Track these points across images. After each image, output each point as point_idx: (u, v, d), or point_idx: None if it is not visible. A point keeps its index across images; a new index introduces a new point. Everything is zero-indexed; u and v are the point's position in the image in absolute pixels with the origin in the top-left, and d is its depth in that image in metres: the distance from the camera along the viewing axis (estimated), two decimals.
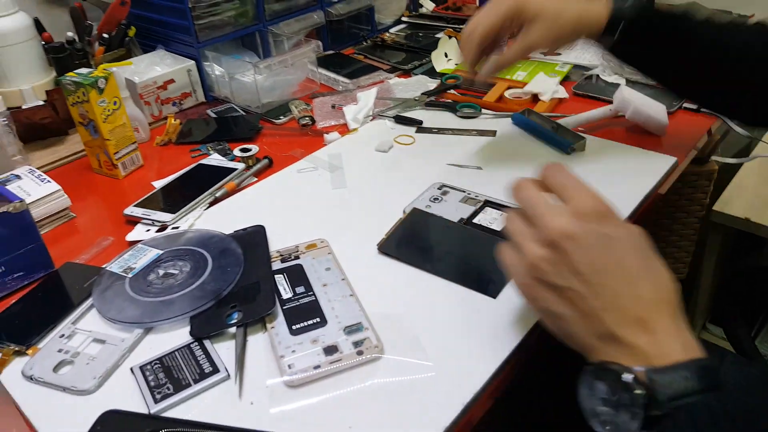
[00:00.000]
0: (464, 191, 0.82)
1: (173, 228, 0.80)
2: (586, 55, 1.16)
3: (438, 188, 0.83)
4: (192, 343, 0.62)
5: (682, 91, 0.87)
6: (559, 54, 1.21)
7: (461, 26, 1.37)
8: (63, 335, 0.64)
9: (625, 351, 0.45)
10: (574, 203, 0.48)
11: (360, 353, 0.59)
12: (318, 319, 0.63)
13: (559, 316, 0.48)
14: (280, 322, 0.63)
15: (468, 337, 0.61)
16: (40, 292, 0.72)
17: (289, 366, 0.58)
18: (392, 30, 1.42)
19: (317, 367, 0.58)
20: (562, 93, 1.05)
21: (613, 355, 0.45)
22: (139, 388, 0.57)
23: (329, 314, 0.64)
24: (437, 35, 1.35)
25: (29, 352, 0.63)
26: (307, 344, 0.60)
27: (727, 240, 1.31)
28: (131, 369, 0.60)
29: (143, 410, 0.55)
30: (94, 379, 0.59)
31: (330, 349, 0.59)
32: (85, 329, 0.65)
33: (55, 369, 0.60)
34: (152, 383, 0.58)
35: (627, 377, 0.43)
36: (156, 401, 0.56)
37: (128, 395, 0.57)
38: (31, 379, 0.60)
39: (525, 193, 0.52)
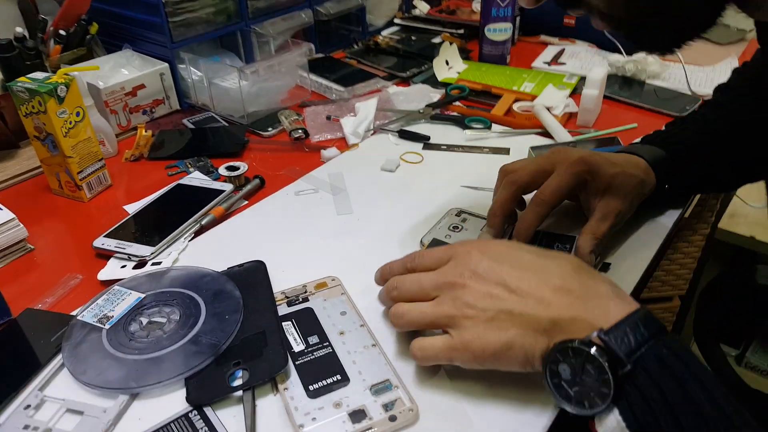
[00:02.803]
0: (485, 218, 0.73)
1: (154, 264, 0.69)
2: (594, 66, 1.09)
3: (456, 215, 0.74)
4: (190, 411, 0.51)
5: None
6: (564, 64, 1.15)
7: (457, 30, 1.29)
8: (28, 406, 0.52)
9: (571, 328, 0.46)
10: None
11: (393, 419, 0.50)
12: (339, 377, 0.53)
13: (508, 344, 0.48)
14: (293, 381, 0.53)
15: (516, 388, 0.52)
16: None
17: None
18: (384, 32, 1.33)
19: None
20: (573, 107, 0.98)
21: (563, 338, 0.46)
22: None
23: (351, 370, 0.54)
24: (433, 40, 1.26)
25: None
26: (330, 409, 0.51)
27: (727, 254, 1.27)
28: None
29: None
30: None
31: (357, 415, 0.50)
32: (57, 397, 0.53)
33: None
34: None
35: (583, 346, 0.44)
36: None
37: None
38: None
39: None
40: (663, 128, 0.77)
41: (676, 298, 1.43)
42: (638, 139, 0.77)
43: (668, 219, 0.74)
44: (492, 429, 0.49)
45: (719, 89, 0.80)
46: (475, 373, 0.53)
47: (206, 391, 0.53)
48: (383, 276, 0.60)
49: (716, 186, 0.79)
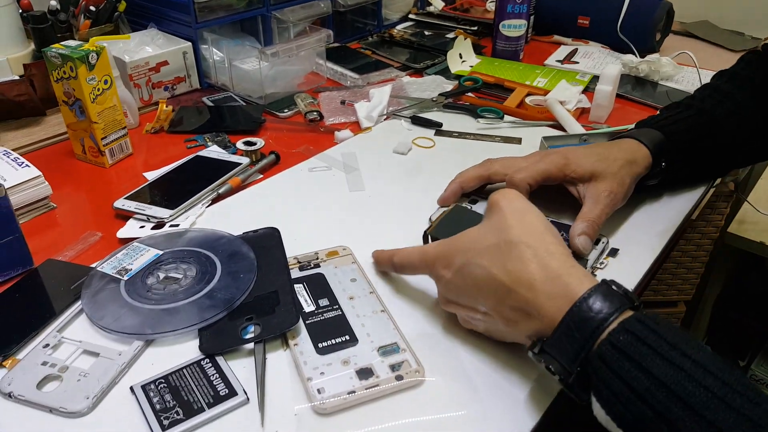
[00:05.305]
0: None
1: (172, 226, 0.71)
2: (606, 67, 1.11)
3: (465, 196, 0.76)
4: (203, 359, 0.53)
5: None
6: (577, 63, 1.17)
7: (471, 27, 1.32)
8: (47, 345, 0.55)
9: (537, 336, 0.49)
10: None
11: (399, 378, 0.51)
12: (347, 337, 0.55)
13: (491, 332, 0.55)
14: (303, 338, 0.55)
15: (523, 355, 0.53)
16: (18, 293, 0.62)
17: (319, 390, 0.50)
18: (399, 27, 1.35)
19: (351, 392, 0.50)
20: (586, 102, 0.99)
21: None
22: (142, 411, 0.49)
23: (359, 332, 0.56)
24: (447, 35, 1.29)
25: (6, 363, 0.53)
26: (338, 366, 0.52)
27: (735, 263, 1.27)
28: (131, 388, 0.51)
29: None
30: (87, 398, 0.49)
31: (364, 372, 0.52)
32: (74, 339, 0.56)
33: (39, 385, 0.51)
34: (158, 406, 0.49)
35: (536, 359, 0.48)
36: (163, 428, 0.47)
37: (128, 419, 0.48)
38: (10, 396, 0.50)
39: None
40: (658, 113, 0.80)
41: (681, 304, 1.43)
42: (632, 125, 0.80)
43: (679, 212, 0.74)
44: (496, 394, 0.51)
45: (722, 75, 0.82)
46: (483, 340, 0.55)
47: (219, 341, 0.55)
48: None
49: (711, 165, 0.79)
